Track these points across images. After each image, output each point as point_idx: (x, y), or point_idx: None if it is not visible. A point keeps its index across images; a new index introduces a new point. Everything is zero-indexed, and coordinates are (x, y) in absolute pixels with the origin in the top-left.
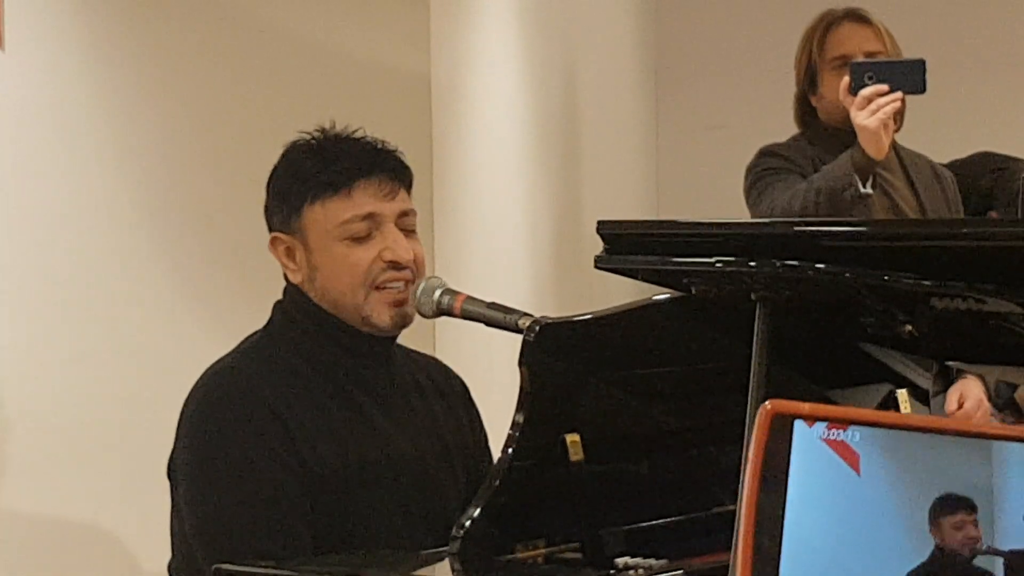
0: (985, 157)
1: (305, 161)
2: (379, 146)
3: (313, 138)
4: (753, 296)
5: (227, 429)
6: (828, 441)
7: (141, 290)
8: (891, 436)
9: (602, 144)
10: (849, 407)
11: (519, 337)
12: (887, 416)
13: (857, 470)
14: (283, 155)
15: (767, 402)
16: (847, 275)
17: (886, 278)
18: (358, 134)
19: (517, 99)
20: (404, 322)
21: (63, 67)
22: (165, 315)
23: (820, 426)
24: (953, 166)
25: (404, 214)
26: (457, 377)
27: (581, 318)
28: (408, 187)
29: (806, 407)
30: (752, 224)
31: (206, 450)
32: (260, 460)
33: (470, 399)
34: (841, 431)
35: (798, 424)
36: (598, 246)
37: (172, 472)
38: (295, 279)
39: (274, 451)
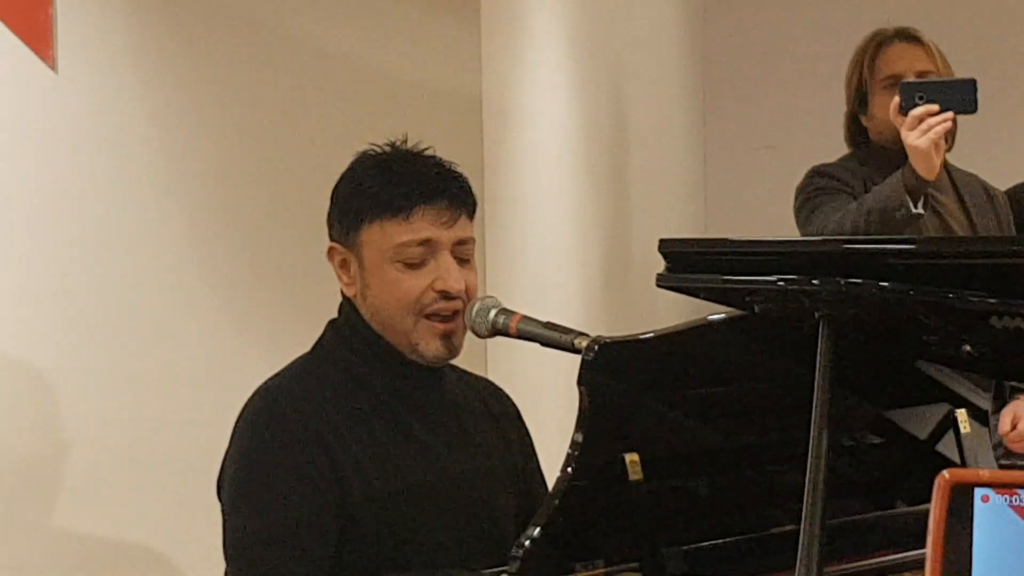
0: None
1: (369, 176)
2: (444, 170)
3: (382, 152)
4: (816, 315)
5: (269, 453)
6: (1018, 509)
7: (193, 312)
8: None
9: (651, 164)
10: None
11: (571, 356)
12: None
13: None
14: (351, 166)
15: (945, 472)
16: (911, 293)
17: (950, 296)
18: (428, 152)
19: (567, 119)
20: (451, 354)
21: (115, 90)
22: (216, 336)
23: (1019, 496)
24: (1019, 188)
25: (461, 242)
26: (509, 398)
27: (640, 337)
28: (470, 214)
29: (985, 474)
30: (814, 242)
31: (247, 472)
32: (298, 486)
33: (522, 421)
34: None
35: (991, 494)
36: (647, 265)
37: (220, 489)
38: (349, 292)
39: (314, 478)
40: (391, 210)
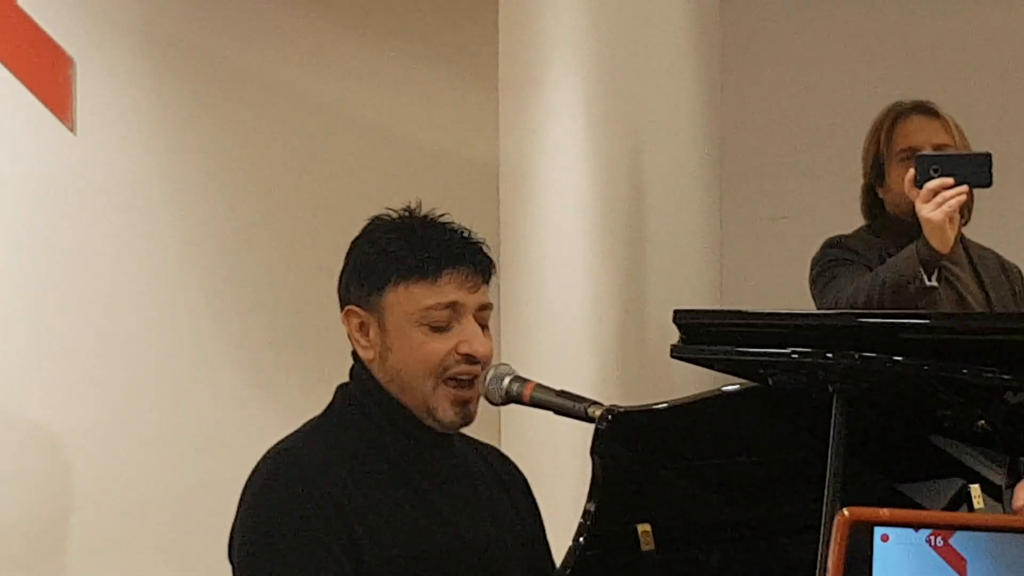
0: None
1: (393, 240)
2: (467, 236)
3: (400, 217)
4: (830, 388)
5: (281, 515)
6: (931, 543)
7: (208, 373)
8: (997, 538)
9: (667, 233)
10: (926, 510)
11: (584, 425)
12: (976, 519)
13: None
14: (368, 230)
15: (844, 509)
16: (925, 368)
17: (965, 372)
18: (445, 218)
19: (584, 187)
20: (466, 421)
21: (134, 153)
22: (230, 399)
23: (923, 532)
24: None
25: (484, 307)
26: (516, 466)
27: (653, 407)
28: (489, 281)
29: (885, 512)
30: (829, 315)
31: (259, 534)
32: (310, 550)
33: (529, 489)
34: (940, 539)
35: (894, 531)
36: (663, 335)
37: (231, 552)
38: (365, 356)
39: (326, 542)
40: (419, 272)
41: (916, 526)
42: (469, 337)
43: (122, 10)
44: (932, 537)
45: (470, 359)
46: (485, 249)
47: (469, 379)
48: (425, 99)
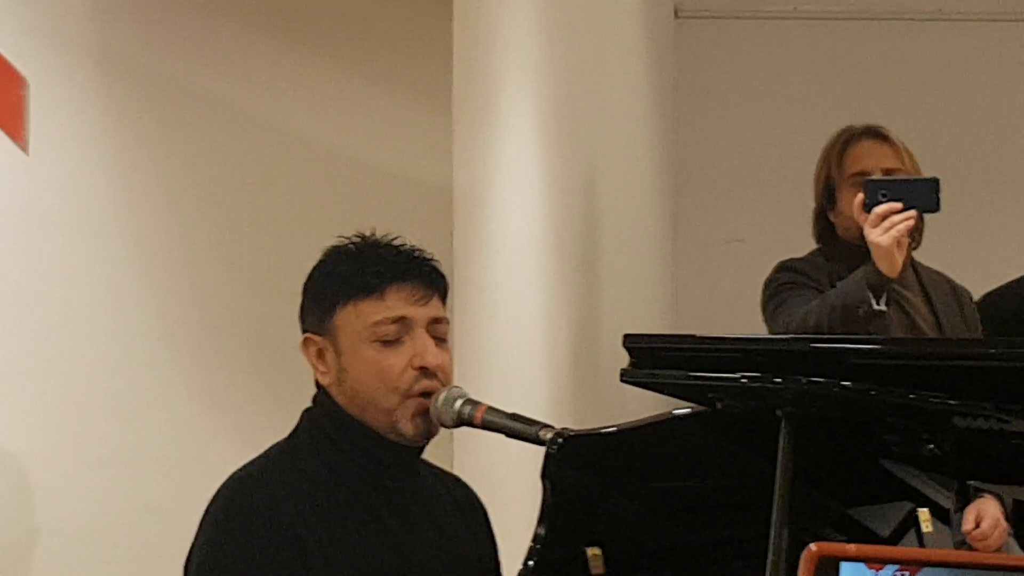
0: None
1: (341, 264)
2: (415, 253)
3: (352, 243)
4: (778, 412)
5: (238, 541)
6: None
7: (163, 397)
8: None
9: (621, 257)
10: (893, 546)
11: (537, 448)
12: (944, 555)
13: None
14: (322, 258)
15: (812, 544)
16: (872, 393)
17: (912, 397)
18: (397, 241)
19: (538, 211)
20: (430, 433)
21: (86, 173)
22: (186, 422)
23: (888, 570)
24: (987, 299)
25: (436, 320)
26: (475, 493)
27: (604, 431)
28: (442, 296)
29: (852, 548)
30: (778, 340)
31: (215, 560)
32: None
33: (487, 518)
34: (908, 573)
35: (860, 569)
36: (616, 358)
37: (186, 574)
38: (324, 381)
39: (280, 569)
40: (365, 290)
41: (882, 561)
42: (420, 350)
43: (76, 31)
44: (898, 573)
45: (426, 372)
46: (435, 265)
47: (429, 393)
48: (378, 122)
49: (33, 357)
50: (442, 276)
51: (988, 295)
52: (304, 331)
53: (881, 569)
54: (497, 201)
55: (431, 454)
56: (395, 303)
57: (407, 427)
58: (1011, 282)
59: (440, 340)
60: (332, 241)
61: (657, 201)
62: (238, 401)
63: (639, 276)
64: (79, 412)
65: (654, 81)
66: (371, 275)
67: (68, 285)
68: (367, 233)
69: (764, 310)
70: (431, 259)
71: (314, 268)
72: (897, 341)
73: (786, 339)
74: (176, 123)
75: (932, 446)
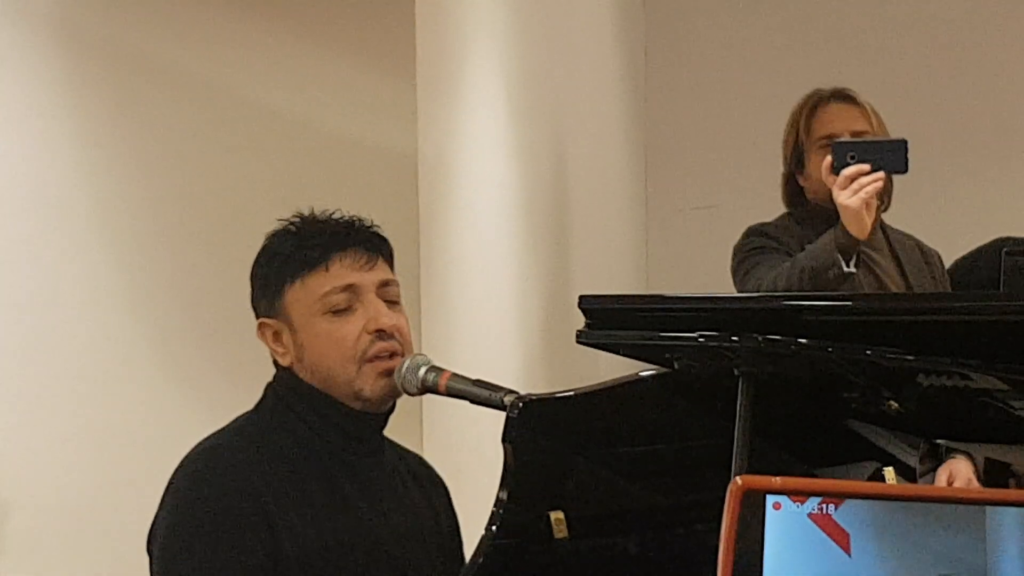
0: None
1: (283, 245)
2: (354, 221)
3: (291, 223)
4: (736, 371)
5: (203, 510)
6: (815, 518)
7: (129, 371)
8: (882, 512)
9: (591, 223)
10: (819, 479)
11: (504, 415)
12: (871, 487)
13: (847, 550)
14: (264, 244)
15: (737, 477)
16: (829, 350)
17: (868, 353)
18: (336, 215)
19: (505, 177)
20: (394, 392)
21: (50, 147)
22: (152, 396)
23: (812, 503)
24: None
25: (385, 284)
26: (435, 471)
27: (565, 394)
28: (388, 259)
29: (777, 481)
30: (734, 299)
31: (181, 529)
32: (230, 544)
33: (448, 493)
34: (832, 506)
35: (784, 501)
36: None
37: (150, 545)
38: (284, 362)
39: (246, 536)
40: (308, 265)
41: (806, 494)
42: (374, 314)
43: (37, 5)
44: (822, 505)
45: (381, 335)
46: (375, 230)
47: (387, 354)
48: (341, 90)
49: None
50: (384, 240)
51: (959, 262)
52: (258, 317)
53: (804, 502)
54: (465, 169)
55: (399, 423)
56: (340, 272)
57: (372, 390)
58: (980, 247)
59: (392, 303)
60: (296, 211)
61: (627, 168)
62: (207, 374)
63: (610, 243)
64: (43, 388)
65: (622, 46)
66: (312, 249)
67: (33, 261)
68: (305, 211)
69: (734, 275)
70: (371, 226)
71: (258, 254)
72: (853, 297)
73: (743, 297)
74: (140, 96)
75: (895, 404)
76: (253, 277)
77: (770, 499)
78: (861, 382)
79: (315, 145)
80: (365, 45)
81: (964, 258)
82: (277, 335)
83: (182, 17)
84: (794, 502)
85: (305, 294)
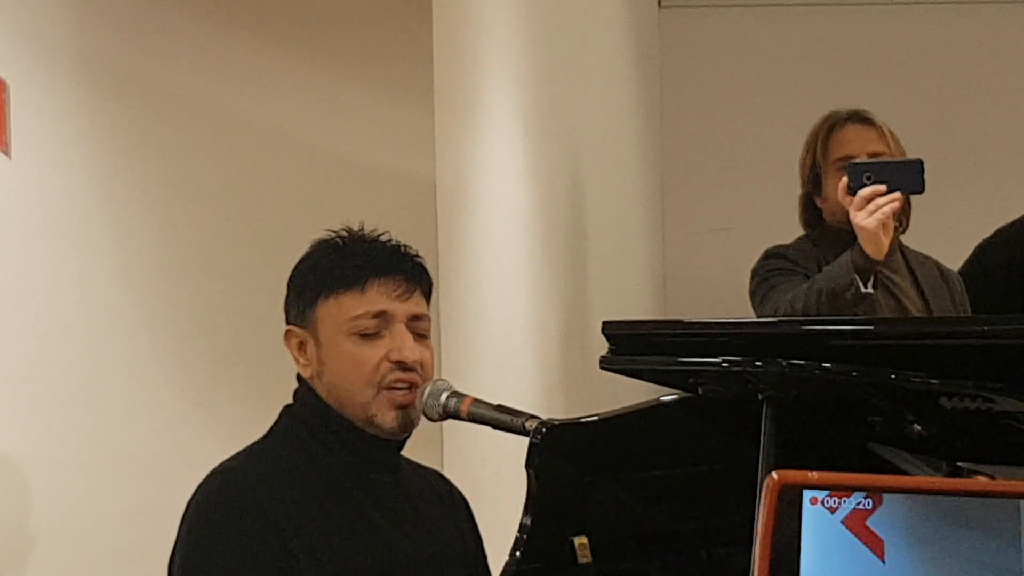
0: None
1: (325, 257)
2: (399, 248)
3: (337, 237)
4: (760, 396)
5: (220, 534)
6: (849, 524)
7: (146, 395)
8: (916, 518)
9: (608, 247)
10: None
11: (526, 440)
12: (907, 481)
13: (882, 557)
14: (307, 252)
15: (773, 473)
16: (854, 374)
17: (892, 377)
18: (383, 237)
19: (523, 202)
20: (408, 426)
21: (69, 174)
22: (170, 420)
23: (845, 508)
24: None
25: (417, 317)
26: (457, 488)
27: (587, 420)
28: (426, 293)
29: (813, 475)
30: (758, 323)
31: (197, 552)
32: (247, 569)
33: (470, 511)
34: (867, 512)
35: (816, 509)
36: (605, 348)
37: (170, 569)
38: (305, 373)
39: (264, 561)
40: (345, 283)
41: (842, 488)
42: (398, 344)
43: (56, 34)
44: (856, 511)
45: (402, 366)
46: (419, 261)
47: (406, 386)
48: (361, 117)
49: (16, 360)
50: (426, 273)
51: (981, 245)
52: (287, 323)
53: (837, 510)
54: (482, 194)
55: (419, 448)
56: (375, 297)
57: (384, 420)
58: (1003, 227)
59: (420, 336)
60: (316, 238)
61: (644, 191)
62: (225, 399)
63: (627, 267)
64: (66, 413)
65: (638, 71)
66: (353, 269)
67: (53, 287)
68: (354, 228)
69: (752, 298)
70: (415, 255)
71: (299, 261)
72: (877, 321)
73: (766, 322)
74: (158, 123)
75: (919, 427)
76: (290, 282)
77: (807, 494)
78: (885, 405)
79: (336, 173)
80: (384, 74)
81: (984, 242)
82: (302, 345)
83: (201, 48)
84: (828, 510)
85: (337, 311)
